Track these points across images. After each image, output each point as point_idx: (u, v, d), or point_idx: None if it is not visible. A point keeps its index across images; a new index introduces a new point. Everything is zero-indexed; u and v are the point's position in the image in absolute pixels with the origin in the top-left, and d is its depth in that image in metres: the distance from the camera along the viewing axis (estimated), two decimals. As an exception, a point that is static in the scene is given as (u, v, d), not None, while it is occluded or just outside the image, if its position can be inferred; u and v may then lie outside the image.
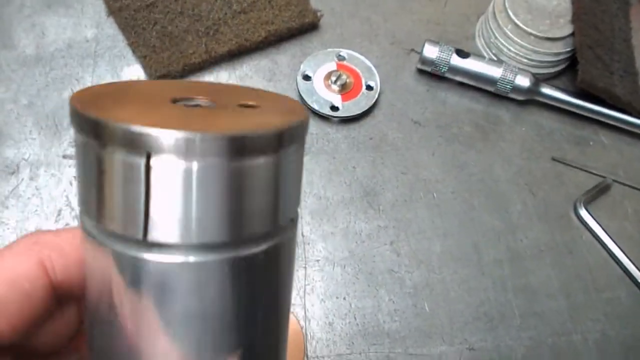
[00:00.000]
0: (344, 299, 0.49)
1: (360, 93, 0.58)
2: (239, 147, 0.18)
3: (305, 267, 0.50)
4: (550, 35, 0.60)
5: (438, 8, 0.66)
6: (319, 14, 0.62)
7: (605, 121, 0.60)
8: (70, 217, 0.50)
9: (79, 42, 0.58)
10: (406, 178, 0.55)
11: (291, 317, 0.47)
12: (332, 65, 0.59)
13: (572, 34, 0.60)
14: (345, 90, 0.57)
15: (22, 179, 0.51)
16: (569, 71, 0.62)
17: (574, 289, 0.52)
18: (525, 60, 0.61)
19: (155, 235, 0.18)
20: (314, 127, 0.57)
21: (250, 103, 0.22)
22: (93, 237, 0.19)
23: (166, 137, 0.17)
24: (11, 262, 0.21)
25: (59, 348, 0.24)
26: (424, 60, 0.59)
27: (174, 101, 0.20)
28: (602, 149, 0.60)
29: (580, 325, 0.50)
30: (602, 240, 0.54)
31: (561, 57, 0.61)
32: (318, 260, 0.51)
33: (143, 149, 0.17)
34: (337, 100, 0.57)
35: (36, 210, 0.50)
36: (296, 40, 0.61)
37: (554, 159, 0.58)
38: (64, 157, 0.53)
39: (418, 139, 0.57)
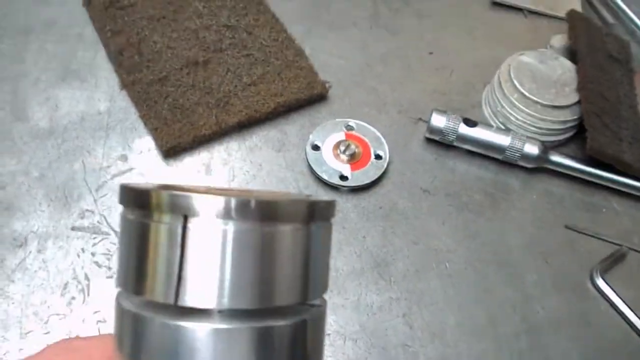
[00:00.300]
0: (356, 375, 0.47)
1: (369, 162, 0.58)
2: (272, 212, 0.19)
3: (315, 342, 0.49)
4: (556, 104, 0.60)
5: (444, 77, 0.68)
6: (327, 85, 0.63)
7: (617, 188, 0.60)
8: (77, 290, 0.49)
9: (91, 114, 0.59)
10: (417, 248, 0.54)
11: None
12: (340, 135, 0.59)
13: (579, 102, 0.61)
14: (354, 159, 0.58)
15: (30, 252, 0.51)
16: (577, 138, 0.63)
17: (595, 362, 0.50)
18: (533, 129, 0.61)
19: (189, 299, 0.18)
20: (324, 197, 0.56)
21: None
22: (129, 311, 0.20)
23: (205, 201, 0.18)
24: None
25: None
26: (432, 129, 0.60)
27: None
28: (615, 215, 0.59)
29: (604, 403, 0.48)
30: (620, 310, 0.52)
31: (568, 124, 0.61)
32: (329, 334, 0.49)
33: (183, 212, 0.18)
34: (346, 170, 0.57)
35: (42, 284, 0.49)
36: (305, 111, 0.62)
37: (566, 227, 0.57)
38: (73, 229, 0.52)
39: (428, 208, 0.57)
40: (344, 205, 0.56)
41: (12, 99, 0.60)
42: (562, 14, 0.74)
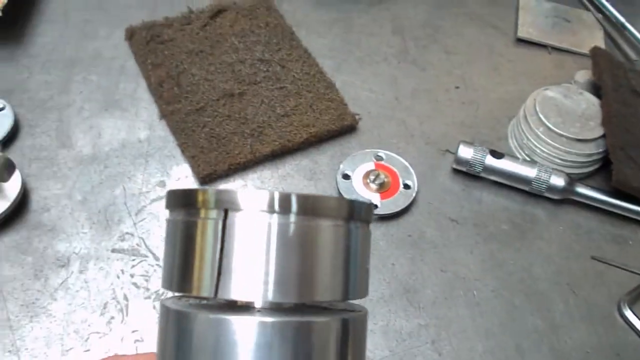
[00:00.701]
0: (386, 400, 0.48)
1: (398, 192, 0.60)
2: (314, 207, 0.19)
3: (345, 366, 0.49)
4: (581, 137, 0.62)
5: (470, 112, 0.70)
6: (357, 117, 0.65)
7: (643, 220, 0.60)
8: (116, 310, 0.51)
9: (132, 142, 0.62)
10: (445, 276, 0.56)
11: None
12: (370, 165, 0.61)
13: (603, 136, 0.62)
14: (383, 189, 0.59)
15: (72, 272, 0.53)
16: (603, 171, 0.64)
17: (625, 394, 0.50)
18: (558, 161, 0.62)
19: (234, 293, 0.19)
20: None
21: None
22: (175, 311, 0.20)
23: (249, 195, 0.19)
24: None
25: None
26: (459, 161, 0.61)
27: None
28: (642, 248, 0.60)
29: None
30: (650, 342, 0.53)
31: (593, 157, 0.62)
32: None
33: (227, 206, 0.19)
34: (375, 199, 0.59)
35: (83, 303, 0.51)
36: (335, 142, 0.64)
37: (593, 258, 0.58)
38: (113, 251, 0.54)
39: (456, 237, 0.58)
40: (374, 233, 0.57)
41: (57, 127, 0.63)
42: (585, 50, 0.76)
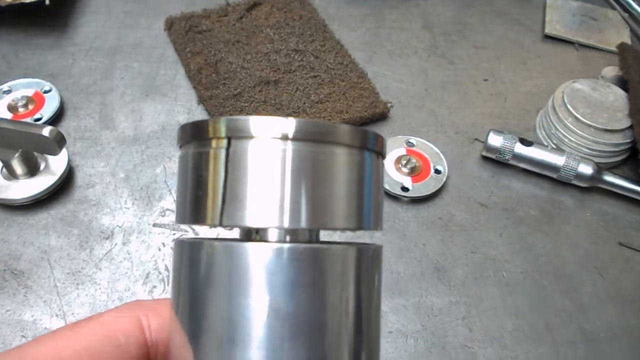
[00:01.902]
0: (418, 371, 0.50)
1: (429, 176, 0.61)
2: (328, 134, 0.19)
3: (378, 338, 0.51)
4: (609, 128, 0.63)
5: (499, 103, 0.71)
6: (388, 105, 0.67)
7: (670, 209, 0.61)
8: (157, 280, 0.53)
9: (172, 125, 0.65)
10: (475, 257, 0.57)
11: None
12: (402, 151, 0.63)
13: (631, 127, 0.63)
14: (414, 173, 0.61)
15: (116, 244, 0.55)
16: (630, 161, 0.65)
17: (653, 374, 0.51)
18: (586, 150, 0.64)
19: (249, 220, 0.19)
20: (386, 206, 0.60)
21: None
22: (188, 243, 0.20)
23: (263, 122, 0.19)
24: (110, 317, 0.22)
25: None
26: (489, 148, 0.63)
27: None
28: (669, 236, 0.60)
29: (663, 412, 0.49)
30: (678, 325, 0.53)
31: (621, 147, 0.64)
32: (391, 332, 0.51)
33: (241, 134, 0.19)
34: (407, 182, 0.60)
35: (126, 273, 0.53)
36: (368, 128, 0.66)
37: (620, 244, 0.59)
38: (154, 225, 0.57)
39: (485, 221, 0.60)
40: (405, 214, 0.59)
41: (101, 110, 0.66)
42: (612, 47, 0.77)
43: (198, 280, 0.19)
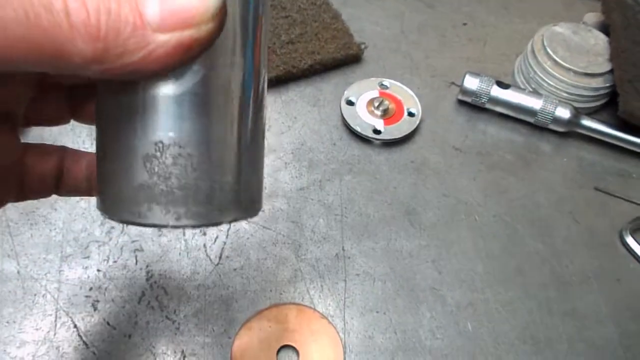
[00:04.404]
0: (384, 313, 0.48)
1: (402, 119, 0.59)
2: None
3: (345, 281, 0.49)
4: (589, 71, 0.61)
5: (477, 47, 0.69)
6: (362, 46, 0.64)
7: (648, 155, 0.60)
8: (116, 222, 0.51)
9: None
10: (447, 200, 0.55)
11: (330, 327, 0.46)
12: (375, 93, 0.61)
13: (611, 71, 0.62)
14: (387, 115, 0.59)
15: (72, 185, 0.53)
16: (609, 106, 0.63)
17: (624, 317, 0.50)
18: (565, 94, 0.62)
19: None
20: (357, 149, 0.58)
21: None
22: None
23: None
24: None
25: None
26: (465, 91, 0.61)
27: None
28: (646, 181, 0.59)
29: (634, 354, 0.48)
30: (650, 269, 0.52)
31: (600, 92, 0.62)
32: (358, 275, 0.50)
33: None
34: (379, 124, 0.58)
35: (83, 213, 0.51)
36: (340, 71, 0.64)
37: (596, 189, 0.58)
38: (114, 166, 0.54)
39: (459, 165, 0.58)
40: (377, 157, 0.57)
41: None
42: (596, -7, 0.75)
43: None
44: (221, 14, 0.20)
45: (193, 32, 0.19)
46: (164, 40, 0.19)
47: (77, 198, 0.52)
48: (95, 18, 0.18)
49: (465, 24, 0.71)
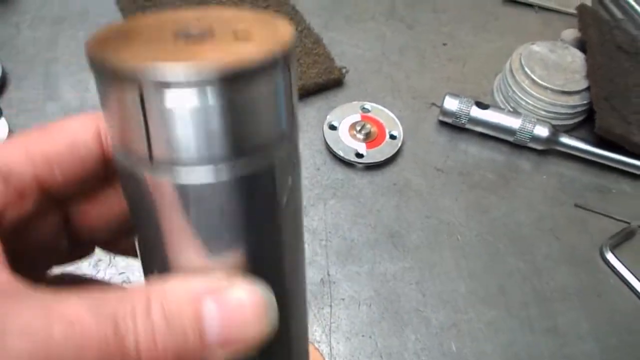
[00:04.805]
0: (370, 337, 0.49)
1: (384, 142, 0.60)
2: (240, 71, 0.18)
3: (330, 306, 0.50)
4: (566, 89, 0.62)
5: (457, 68, 0.70)
6: (343, 70, 0.66)
7: (626, 170, 0.61)
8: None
9: (120, 95, 0.62)
10: (430, 221, 0.56)
11: (316, 353, 0.47)
12: (357, 117, 0.62)
13: (588, 89, 0.63)
14: (369, 139, 0.60)
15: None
16: (587, 124, 0.64)
17: (604, 332, 0.51)
18: (543, 113, 0.63)
19: (156, 154, 0.19)
20: (340, 173, 0.59)
21: (242, 29, 0.21)
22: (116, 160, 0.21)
23: (149, 70, 0.18)
24: (72, 126, 0.23)
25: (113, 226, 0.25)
26: (445, 112, 0.62)
27: (175, 33, 0.21)
28: (625, 196, 0.60)
29: (614, 369, 0.49)
30: (630, 284, 0.53)
31: (578, 109, 0.63)
32: (343, 299, 0.51)
33: (135, 82, 0.18)
34: (361, 148, 0.59)
35: (71, 247, 0.52)
36: (322, 95, 0.65)
37: (576, 206, 0.59)
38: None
39: (441, 185, 0.59)
40: (359, 181, 0.58)
41: (45, 81, 0.63)
42: (572, 10, 0.76)
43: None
44: (272, 330, 0.21)
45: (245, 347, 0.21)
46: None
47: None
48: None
49: (445, 44, 0.72)
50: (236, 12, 0.23)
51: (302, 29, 0.69)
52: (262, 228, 0.21)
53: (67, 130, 0.22)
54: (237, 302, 0.20)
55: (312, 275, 0.52)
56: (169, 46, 0.20)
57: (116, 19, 0.70)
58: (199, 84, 0.18)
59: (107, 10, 0.71)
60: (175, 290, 0.19)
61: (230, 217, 0.20)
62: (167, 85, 0.18)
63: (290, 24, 0.21)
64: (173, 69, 0.18)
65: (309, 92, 0.64)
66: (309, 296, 0.50)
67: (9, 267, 0.19)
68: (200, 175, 0.20)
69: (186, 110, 0.18)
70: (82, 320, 0.17)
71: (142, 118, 0.19)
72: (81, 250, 0.27)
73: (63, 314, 0.17)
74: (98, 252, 0.51)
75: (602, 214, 0.58)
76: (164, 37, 0.21)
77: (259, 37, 0.21)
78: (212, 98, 0.18)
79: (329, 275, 0.52)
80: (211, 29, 0.21)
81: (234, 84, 0.18)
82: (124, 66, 0.18)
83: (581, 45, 0.69)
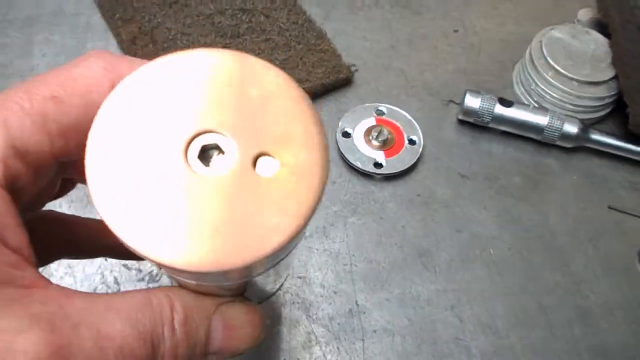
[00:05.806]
0: (408, 372, 0.45)
1: (403, 148, 0.55)
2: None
3: (362, 340, 0.46)
4: (593, 80, 0.58)
5: (472, 57, 0.65)
6: (352, 68, 0.60)
7: (659, 165, 0.58)
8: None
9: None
10: (460, 236, 0.52)
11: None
12: (371, 121, 0.57)
13: (615, 77, 0.59)
14: (387, 146, 0.55)
15: (54, 257, 0.48)
16: (615, 115, 0.60)
17: (653, 348, 0.48)
18: (570, 106, 0.59)
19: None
20: (359, 186, 0.54)
21: (272, 155, 0.20)
22: None
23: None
24: (88, 83, 0.22)
25: None
26: (466, 111, 0.57)
27: (187, 146, 0.20)
28: (659, 194, 0.57)
29: (666, 389, 0.46)
30: (674, 293, 0.50)
31: (606, 101, 0.59)
32: (375, 331, 0.47)
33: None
34: (380, 157, 0.54)
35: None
36: (331, 96, 0.59)
37: (610, 208, 0.55)
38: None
39: (468, 194, 0.55)
40: (380, 194, 0.54)
41: (21, 95, 0.56)
42: (587, -14, 0.71)
43: None
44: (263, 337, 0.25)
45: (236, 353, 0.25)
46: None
47: (61, 273, 0.47)
48: None
49: (456, 31, 0.67)
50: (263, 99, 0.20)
51: (303, 21, 0.63)
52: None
53: (82, 94, 0.22)
54: (238, 317, 0.24)
55: (339, 305, 0.47)
56: (175, 181, 0.19)
57: (95, 16, 0.62)
58: (217, 274, 0.19)
59: (83, 7, 0.63)
60: (193, 308, 0.22)
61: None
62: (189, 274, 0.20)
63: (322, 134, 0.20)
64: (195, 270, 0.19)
65: (316, 95, 0.58)
66: (337, 329, 0.47)
67: (34, 265, 0.20)
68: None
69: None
70: (129, 345, 0.19)
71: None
72: (66, 189, 0.29)
73: (111, 337, 0.19)
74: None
75: (638, 216, 0.55)
76: (170, 158, 0.19)
77: (284, 189, 0.19)
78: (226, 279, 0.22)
79: (357, 304, 0.48)
80: (227, 145, 0.20)
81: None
82: (146, 256, 0.19)
83: (599, 26, 0.65)
